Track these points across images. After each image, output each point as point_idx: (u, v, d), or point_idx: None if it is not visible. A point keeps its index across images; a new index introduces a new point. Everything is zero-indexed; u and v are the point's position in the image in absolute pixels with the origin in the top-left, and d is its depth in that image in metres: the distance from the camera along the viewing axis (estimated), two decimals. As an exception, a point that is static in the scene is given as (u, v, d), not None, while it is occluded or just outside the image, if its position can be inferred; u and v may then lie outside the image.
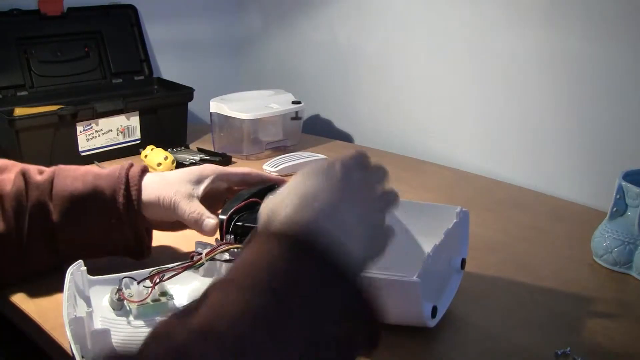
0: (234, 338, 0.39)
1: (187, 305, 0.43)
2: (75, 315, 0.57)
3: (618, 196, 0.77)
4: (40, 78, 1.23)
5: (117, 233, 0.71)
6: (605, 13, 0.93)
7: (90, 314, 0.58)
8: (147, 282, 0.64)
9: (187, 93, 1.27)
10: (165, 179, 0.73)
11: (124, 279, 0.65)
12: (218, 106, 1.22)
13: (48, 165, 0.75)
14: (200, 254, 0.63)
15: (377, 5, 1.27)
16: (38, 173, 0.72)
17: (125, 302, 0.64)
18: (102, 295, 0.66)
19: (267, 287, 0.42)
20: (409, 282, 0.60)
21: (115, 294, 0.64)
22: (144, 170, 0.74)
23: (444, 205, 0.73)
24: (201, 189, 0.73)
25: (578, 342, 0.63)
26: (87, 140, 1.14)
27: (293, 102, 1.26)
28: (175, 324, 0.40)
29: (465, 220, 0.72)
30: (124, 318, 0.64)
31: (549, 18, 1.00)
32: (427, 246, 0.66)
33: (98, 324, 0.61)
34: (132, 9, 1.36)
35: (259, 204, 0.55)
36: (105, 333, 0.56)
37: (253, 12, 1.56)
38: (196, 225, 0.70)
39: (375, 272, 0.63)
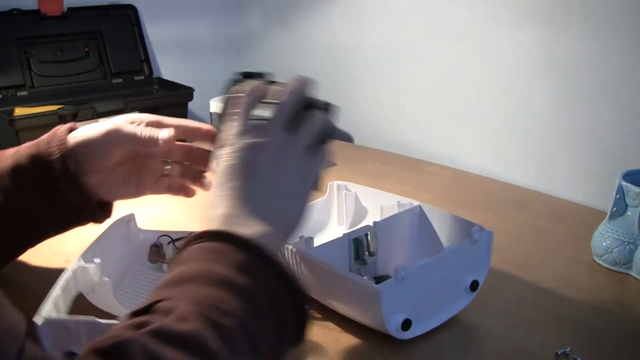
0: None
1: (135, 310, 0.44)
2: (79, 266, 0.62)
3: (618, 196, 0.77)
4: (40, 78, 1.24)
5: (57, 191, 0.64)
6: (605, 13, 0.93)
7: (99, 265, 0.63)
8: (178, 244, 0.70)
9: (187, 93, 1.27)
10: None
11: (160, 237, 0.70)
12: (218, 106, 1.22)
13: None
14: None
15: (377, 5, 1.27)
16: None
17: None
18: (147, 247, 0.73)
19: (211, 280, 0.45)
20: (369, 287, 0.60)
21: (150, 251, 0.70)
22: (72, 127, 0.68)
23: (470, 222, 0.70)
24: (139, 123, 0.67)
25: (578, 342, 0.63)
26: (87, 140, 1.14)
27: (293, 102, 1.26)
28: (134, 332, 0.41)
29: (484, 242, 0.68)
30: (157, 273, 0.71)
31: (549, 18, 1.00)
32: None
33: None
34: (132, 9, 1.36)
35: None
36: (107, 284, 0.61)
37: (253, 12, 1.57)
38: (150, 140, 0.65)
39: (346, 273, 0.64)
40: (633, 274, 0.77)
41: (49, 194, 0.65)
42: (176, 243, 0.53)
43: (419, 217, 0.76)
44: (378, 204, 0.79)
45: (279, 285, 0.48)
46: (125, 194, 0.70)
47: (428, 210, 0.75)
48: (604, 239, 0.79)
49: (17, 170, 0.65)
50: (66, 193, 0.65)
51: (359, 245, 0.71)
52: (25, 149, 0.66)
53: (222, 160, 0.55)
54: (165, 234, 0.72)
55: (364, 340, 0.65)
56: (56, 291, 0.58)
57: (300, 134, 0.57)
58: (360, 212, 0.83)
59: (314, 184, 0.59)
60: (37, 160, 0.64)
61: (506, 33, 1.07)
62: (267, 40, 1.55)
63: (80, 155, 0.65)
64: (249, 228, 0.51)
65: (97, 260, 0.63)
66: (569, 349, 0.62)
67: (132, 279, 0.72)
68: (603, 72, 0.96)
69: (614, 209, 0.78)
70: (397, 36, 1.25)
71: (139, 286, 0.70)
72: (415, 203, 0.76)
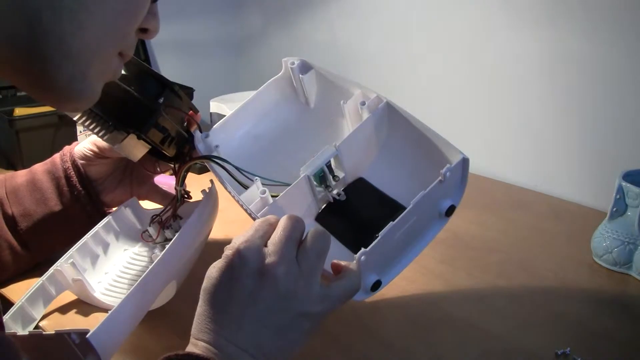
0: None
1: None
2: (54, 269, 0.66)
3: (618, 196, 0.77)
4: (40, 78, 1.23)
5: (71, 199, 0.74)
6: (605, 14, 0.93)
7: (73, 264, 0.67)
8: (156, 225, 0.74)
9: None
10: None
11: (152, 217, 0.74)
12: (218, 106, 1.21)
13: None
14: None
15: (377, 5, 1.27)
16: None
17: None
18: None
19: None
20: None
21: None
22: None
23: (448, 143, 0.65)
24: None
25: (578, 342, 0.63)
26: (87, 140, 1.14)
27: (293, 102, 1.26)
28: None
29: (459, 168, 0.62)
30: (148, 252, 0.76)
31: (549, 18, 1.00)
32: (410, 189, 0.59)
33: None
34: (132, 9, 1.36)
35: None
36: (80, 282, 0.66)
37: (253, 11, 1.57)
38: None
39: None
40: (633, 274, 0.77)
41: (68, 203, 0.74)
42: None
43: (389, 115, 0.69)
44: (340, 94, 0.73)
45: None
46: (123, 197, 0.79)
47: (397, 107, 0.69)
48: (604, 239, 0.79)
49: (34, 184, 0.74)
50: (81, 201, 0.74)
51: (322, 175, 0.67)
52: (40, 166, 0.76)
53: (222, 269, 0.49)
54: (154, 214, 0.75)
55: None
56: (14, 308, 0.61)
57: (309, 264, 0.50)
58: (324, 93, 0.77)
59: (317, 324, 0.51)
60: (53, 175, 0.74)
61: (506, 33, 1.07)
62: (267, 40, 1.55)
63: (85, 167, 0.75)
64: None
65: (70, 261, 0.67)
66: (568, 349, 0.62)
67: (139, 258, 0.75)
68: (603, 73, 0.96)
69: (614, 209, 0.78)
70: (396, 36, 1.25)
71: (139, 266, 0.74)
72: (384, 99, 0.69)
